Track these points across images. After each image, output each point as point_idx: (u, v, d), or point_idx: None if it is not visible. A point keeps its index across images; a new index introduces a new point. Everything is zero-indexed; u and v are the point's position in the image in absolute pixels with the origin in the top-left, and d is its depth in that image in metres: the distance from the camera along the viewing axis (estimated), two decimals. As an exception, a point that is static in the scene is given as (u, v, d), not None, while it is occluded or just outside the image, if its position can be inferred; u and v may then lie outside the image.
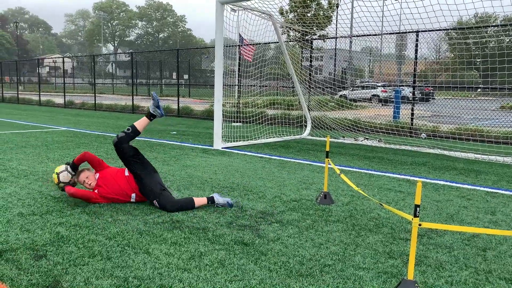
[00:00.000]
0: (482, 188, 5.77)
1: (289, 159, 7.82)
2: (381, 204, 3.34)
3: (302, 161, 7.64)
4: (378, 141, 10.24)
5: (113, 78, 46.39)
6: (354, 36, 13.08)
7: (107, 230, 3.86)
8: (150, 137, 10.73)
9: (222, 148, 9.04)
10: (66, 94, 25.43)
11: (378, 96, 19.84)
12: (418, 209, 2.70)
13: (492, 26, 10.16)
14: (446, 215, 4.53)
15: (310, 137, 11.29)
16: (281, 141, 10.52)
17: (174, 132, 11.86)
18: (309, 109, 11.98)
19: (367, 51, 17.94)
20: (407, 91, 14.49)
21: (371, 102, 19.41)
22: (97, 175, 4.72)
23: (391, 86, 16.50)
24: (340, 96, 17.50)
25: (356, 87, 19.14)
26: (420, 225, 2.72)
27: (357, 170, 6.95)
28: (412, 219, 2.72)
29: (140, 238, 3.68)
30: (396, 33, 11.69)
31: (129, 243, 3.56)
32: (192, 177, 6.10)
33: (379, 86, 19.37)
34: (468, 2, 7.16)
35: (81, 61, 54.62)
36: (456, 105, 14.38)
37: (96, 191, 4.62)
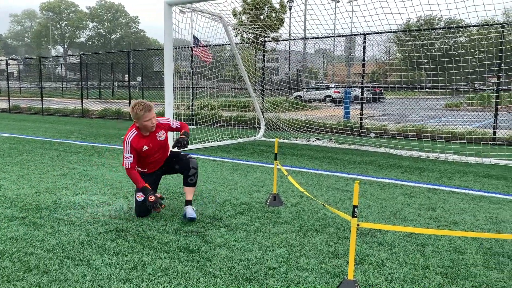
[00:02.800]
0: (424, 185, 6.01)
1: (241, 162, 7.82)
2: (324, 205, 3.40)
3: (254, 163, 7.66)
4: (329, 141, 10.45)
5: (63, 81, 44.67)
6: (307, 38, 13.29)
7: (46, 242, 3.69)
8: (98, 142, 10.41)
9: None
10: (11, 98, 24.21)
11: (331, 96, 20.31)
12: (356, 209, 2.76)
13: (434, 28, 10.63)
14: (390, 212, 4.68)
15: (264, 139, 11.34)
16: (235, 143, 10.51)
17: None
18: (262, 111, 12.04)
19: (321, 53, 18.28)
20: (358, 92, 14.90)
21: (325, 103, 19.83)
22: (164, 134, 4.64)
23: (343, 87, 16.90)
24: (296, 97, 17.75)
25: (310, 88, 19.49)
26: (358, 225, 2.79)
27: (308, 170, 7.05)
28: (351, 219, 2.77)
29: (81, 249, 3.54)
30: (344, 35, 11.98)
31: (69, 255, 3.42)
32: (141, 183, 5.95)
33: (332, 87, 19.82)
34: (409, 6, 7.47)
35: (28, 63, 52.12)
36: (405, 104, 14.94)
37: (145, 147, 4.43)
